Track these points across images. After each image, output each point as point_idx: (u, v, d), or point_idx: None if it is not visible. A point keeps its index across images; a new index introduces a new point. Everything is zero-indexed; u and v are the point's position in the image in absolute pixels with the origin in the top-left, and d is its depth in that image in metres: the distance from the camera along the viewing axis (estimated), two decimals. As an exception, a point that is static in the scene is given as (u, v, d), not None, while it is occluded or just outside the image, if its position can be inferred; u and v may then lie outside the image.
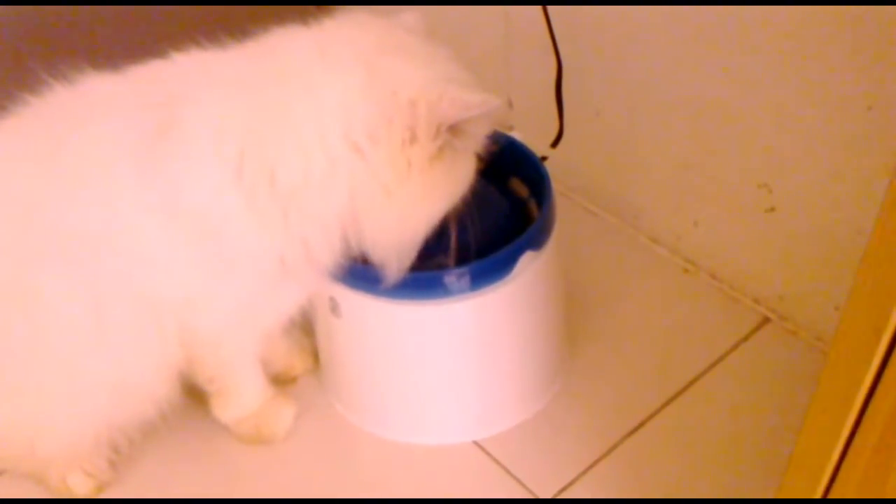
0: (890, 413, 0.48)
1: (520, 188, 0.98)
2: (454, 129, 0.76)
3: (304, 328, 0.98)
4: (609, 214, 1.21)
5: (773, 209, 1.00)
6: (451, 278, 0.85)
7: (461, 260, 0.86)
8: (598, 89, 1.12)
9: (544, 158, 1.02)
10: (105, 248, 0.78)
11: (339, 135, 0.75)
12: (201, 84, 0.78)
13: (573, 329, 1.04)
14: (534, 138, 1.01)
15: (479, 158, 0.82)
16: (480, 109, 0.75)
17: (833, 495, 0.55)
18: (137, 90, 0.79)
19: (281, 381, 1.01)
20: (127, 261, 0.79)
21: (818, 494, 0.56)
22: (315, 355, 1.03)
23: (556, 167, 1.00)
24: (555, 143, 1.13)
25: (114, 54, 0.80)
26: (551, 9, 1.05)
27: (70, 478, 0.92)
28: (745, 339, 1.04)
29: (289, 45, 0.79)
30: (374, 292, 0.86)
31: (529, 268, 0.88)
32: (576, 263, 1.11)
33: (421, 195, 0.78)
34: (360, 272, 0.84)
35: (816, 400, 0.54)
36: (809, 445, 0.55)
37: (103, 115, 0.78)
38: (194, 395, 0.93)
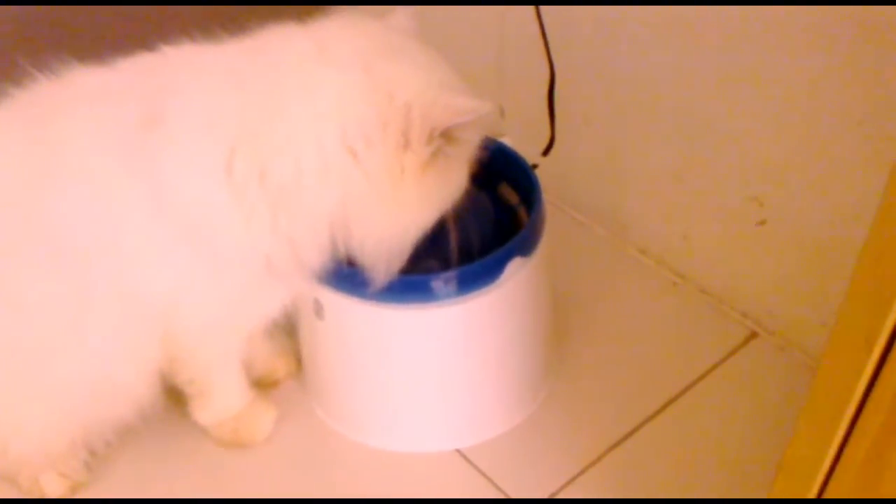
0: (880, 425, 0.47)
1: (510, 195, 0.97)
2: (447, 136, 0.75)
3: (288, 331, 0.97)
4: (598, 225, 1.20)
5: (763, 222, 0.99)
6: (438, 283, 0.84)
7: (447, 266, 0.85)
8: (590, 99, 1.12)
9: (535, 166, 1.01)
10: (88, 241, 0.77)
11: (334, 136, 0.74)
12: (192, 77, 0.77)
13: (560, 339, 1.03)
14: (525, 146, 1.01)
15: (472, 166, 0.81)
16: (472, 115, 0.74)
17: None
18: (125, 82, 0.78)
19: (263, 385, 1.00)
20: (110, 255, 0.77)
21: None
22: (298, 359, 1.01)
23: (546, 177, 0.99)
24: (546, 152, 1.12)
25: (101, 49, 0.79)
26: (546, 15, 1.05)
27: (43, 478, 0.90)
28: (733, 353, 1.03)
29: (285, 42, 0.78)
30: (358, 295, 0.85)
31: (518, 274, 0.87)
32: (564, 274, 1.10)
33: (413, 201, 0.77)
34: (346, 274, 0.83)
35: (806, 412, 0.53)
36: (799, 457, 0.55)
37: (89, 107, 0.77)
38: (172, 396, 0.92)
